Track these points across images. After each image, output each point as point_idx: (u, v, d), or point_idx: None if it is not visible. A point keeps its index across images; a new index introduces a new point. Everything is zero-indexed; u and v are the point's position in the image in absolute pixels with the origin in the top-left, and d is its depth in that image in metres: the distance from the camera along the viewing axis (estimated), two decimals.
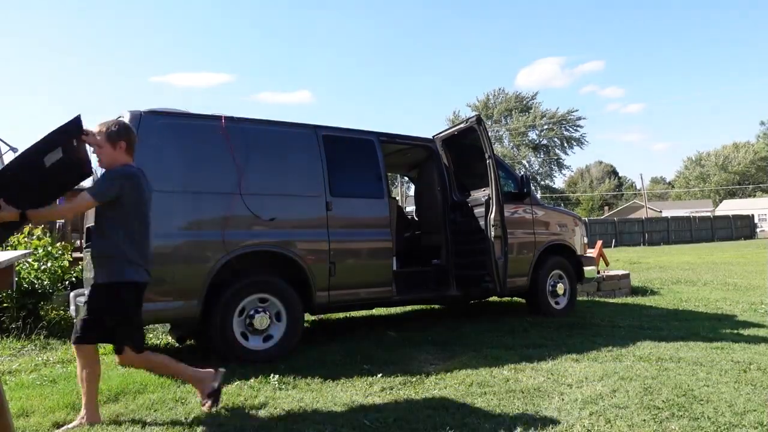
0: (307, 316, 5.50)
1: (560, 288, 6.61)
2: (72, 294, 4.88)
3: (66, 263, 6.28)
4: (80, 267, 6.35)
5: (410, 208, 8.38)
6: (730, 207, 59.10)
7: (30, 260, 5.88)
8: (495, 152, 5.86)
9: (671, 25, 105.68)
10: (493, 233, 5.64)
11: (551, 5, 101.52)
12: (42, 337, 5.42)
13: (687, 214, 45.69)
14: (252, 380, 3.82)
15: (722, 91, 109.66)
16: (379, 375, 3.92)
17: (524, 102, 60.09)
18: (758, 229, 46.54)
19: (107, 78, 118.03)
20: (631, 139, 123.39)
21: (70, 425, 3.01)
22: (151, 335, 5.81)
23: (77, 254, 6.70)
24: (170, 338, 5.51)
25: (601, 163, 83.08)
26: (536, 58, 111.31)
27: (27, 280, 5.74)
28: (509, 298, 7.79)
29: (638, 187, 70.72)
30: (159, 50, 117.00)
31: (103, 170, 3.23)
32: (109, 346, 5.13)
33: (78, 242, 7.44)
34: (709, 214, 49.08)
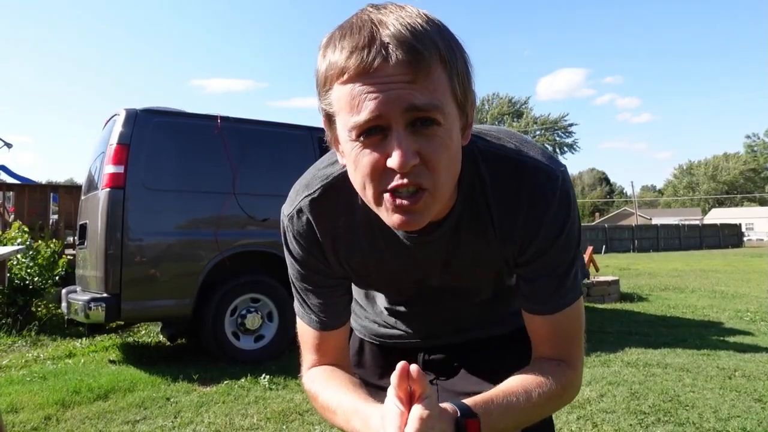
0: None
1: None
2: (64, 291, 4.87)
3: (48, 256, 6.14)
4: (64, 261, 6.31)
5: None
6: (719, 216, 59.72)
7: (19, 256, 5.84)
8: None
9: (684, 36, 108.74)
10: None
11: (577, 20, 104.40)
12: (33, 333, 5.40)
13: (676, 222, 46.06)
14: (243, 380, 3.84)
15: (729, 99, 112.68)
16: None
17: (517, 106, 60.37)
18: (745, 238, 47.03)
19: (150, 75, 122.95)
20: (639, 148, 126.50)
21: None
22: (143, 333, 5.80)
23: (69, 251, 6.67)
24: (162, 337, 5.50)
25: (593, 170, 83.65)
26: (558, 68, 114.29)
27: (18, 275, 5.71)
28: None
29: (629, 195, 71.23)
30: (202, 55, 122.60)
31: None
32: (101, 343, 5.13)
33: (70, 239, 7.41)
34: (697, 222, 49.50)
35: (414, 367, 0.74)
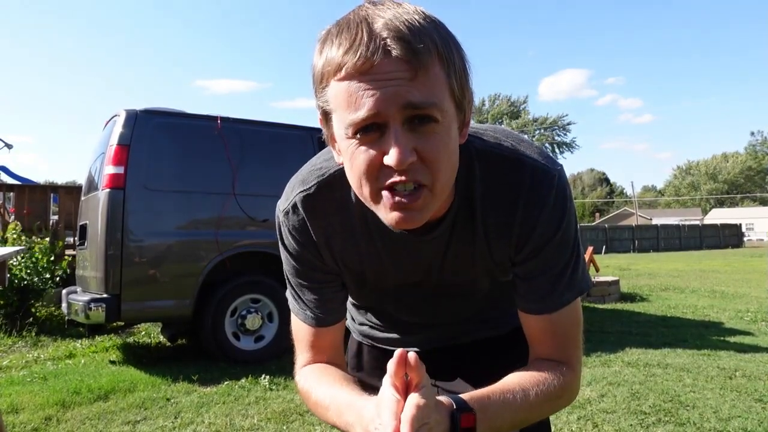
0: None
1: None
2: (64, 291, 4.87)
3: (48, 258, 6.14)
4: (66, 262, 6.32)
5: None
6: (719, 216, 59.75)
7: (20, 257, 5.84)
8: None
9: (686, 36, 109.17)
10: None
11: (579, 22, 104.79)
12: (33, 333, 5.40)
13: (676, 222, 46.07)
14: (243, 380, 3.84)
15: (730, 100, 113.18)
16: None
17: (517, 107, 60.38)
18: (745, 238, 47.04)
19: (153, 76, 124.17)
20: (640, 148, 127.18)
21: None
22: (143, 333, 5.81)
23: (70, 251, 6.67)
24: (162, 337, 5.50)
25: (592, 170, 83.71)
26: (561, 69, 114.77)
27: (18, 276, 5.71)
28: None
29: (629, 195, 71.27)
30: (206, 56, 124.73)
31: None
32: (102, 344, 5.13)
33: (70, 240, 7.40)
34: (697, 222, 49.51)
35: (412, 355, 0.72)
